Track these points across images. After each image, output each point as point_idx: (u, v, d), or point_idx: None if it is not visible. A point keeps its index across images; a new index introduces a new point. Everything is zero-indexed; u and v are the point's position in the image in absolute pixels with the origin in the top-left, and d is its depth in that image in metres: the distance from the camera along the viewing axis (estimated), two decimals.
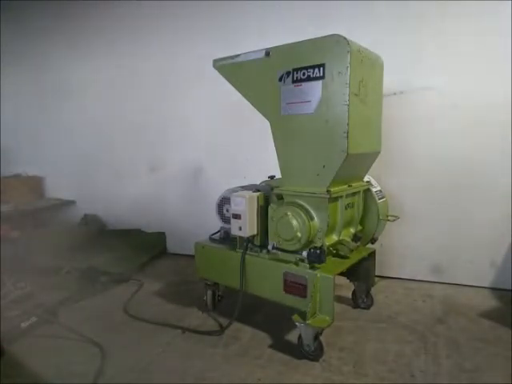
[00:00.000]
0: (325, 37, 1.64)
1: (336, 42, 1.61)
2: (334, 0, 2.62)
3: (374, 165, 2.00)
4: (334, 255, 1.92)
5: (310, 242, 1.77)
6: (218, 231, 2.25)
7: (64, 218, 3.99)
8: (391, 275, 2.72)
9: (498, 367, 1.65)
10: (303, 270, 1.77)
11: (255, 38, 2.45)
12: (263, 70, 1.84)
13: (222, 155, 3.17)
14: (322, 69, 1.65)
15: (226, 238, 2.18)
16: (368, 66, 1.76)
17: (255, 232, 1.94)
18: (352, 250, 1.90)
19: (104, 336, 1.95)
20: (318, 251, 1.71)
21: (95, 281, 2.64)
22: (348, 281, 2.21)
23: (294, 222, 1.77)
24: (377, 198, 2.07)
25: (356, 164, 1.82)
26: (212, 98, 3.10)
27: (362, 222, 2.09)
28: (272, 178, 2.20)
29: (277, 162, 1.87)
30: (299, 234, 1.77)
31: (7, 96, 4.09)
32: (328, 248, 1.84)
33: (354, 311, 2.22)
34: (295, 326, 1.74)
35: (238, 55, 1.93)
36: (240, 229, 1.92)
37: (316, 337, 1.71)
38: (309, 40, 1.69)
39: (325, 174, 1.71)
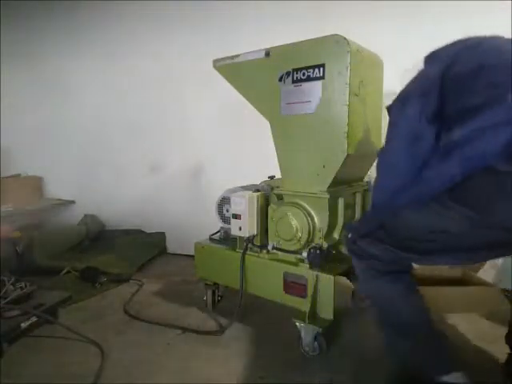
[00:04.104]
0: (325, 37, 1.64)
1: (336, 42, 1.61)
2: (334, 0, 2.62)
3: (374, 165, 2.00)
4: (335, 255, 1.92)
5: (310, 242, 1.77)
6: (218, 231, 2.25)
7: (64, 218, 3.99)
8: None
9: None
10: (303, 270, 1.77)
11: (254, 37, 2.44)
12: (263, 70, 1.84)
13: (222, 155, 3.17)
14: (321, 69, 1.65)
15: (226, 238, 2.18)
16: (368, 66, 1.76)
17: (255, 232, 1.94)
18: None
19: (104, 336, 1.95)
20: (318, 251, 1.71)
21: (95, 281, 2.64)
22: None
23: (294, 222, 1.77)
24: None
25: (356, 164, 1.82)
26: (212, 98, 3.10)
27: None
28: (272, 178, 2.20)
29: (277, 161, 1.87)
30: (299, 234, 1.77)
31: (6, 96, 4.09)
32: (328, 248, 1.84)
33: (354, 311, 2.22)
34: (295, 326, 1.74)
35: (238, 55, 1.93)
36: (240, 229, 1.92)
37: (316, 337, 1.71)
38: (309, 40, 1.69)
39: (325, 174, 1.71)
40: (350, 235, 1.47)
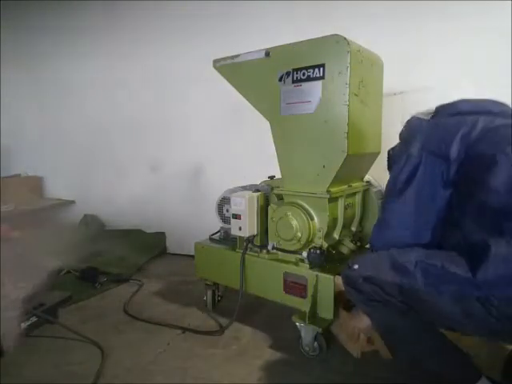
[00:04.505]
0: (325, 37, 1.64)
1: (336, 42, 1.61)
2: (334, 0, 2.62)
3: (374, 165, 2.00)
4: (335, 255, 1.92)
5: (309, 242, 1.77)
6: (218, 231, 2.25)
7: (64, 218, 3.99)
8: None
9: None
10: (303, 270, 1.77)
11: (255, 37, 2.44)
12: (263, 70, 1.84)
13: (221, 155, 3.17)
14: (321, 69, 1.65)
15: (225, 238, 2.18)
16: (368, 66, 1.76)
17: (255, 232, 1.94)
18: (353, 251, 1.91)
19: (104, 336, 1.95)
20: (318, 251, 1.71)
21: (95, 281, 2.64)
22: None
23: (294, 222, 1.77)
24: (376, 199, 2.07)
25: (356, 164, 1.82)
26: (212, 98, 3.10)
27: (361, 222, 2.09)
28: (272, 178, 2.20)
29: (277, 161, 1.87)
30: (299, 234, 1.77)
31: (6, 96, 4.09)
32: (328, 248, 1.84)
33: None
34: (295, 326, 1.74)
35: (238, 55, 1.93)
36: (240, 229, 1.92)
37: (316, 337, 1.71)
38: (309, 40, 1.69)
39: (325, 174, 1.71)
40: (355, 266, 1.33)
